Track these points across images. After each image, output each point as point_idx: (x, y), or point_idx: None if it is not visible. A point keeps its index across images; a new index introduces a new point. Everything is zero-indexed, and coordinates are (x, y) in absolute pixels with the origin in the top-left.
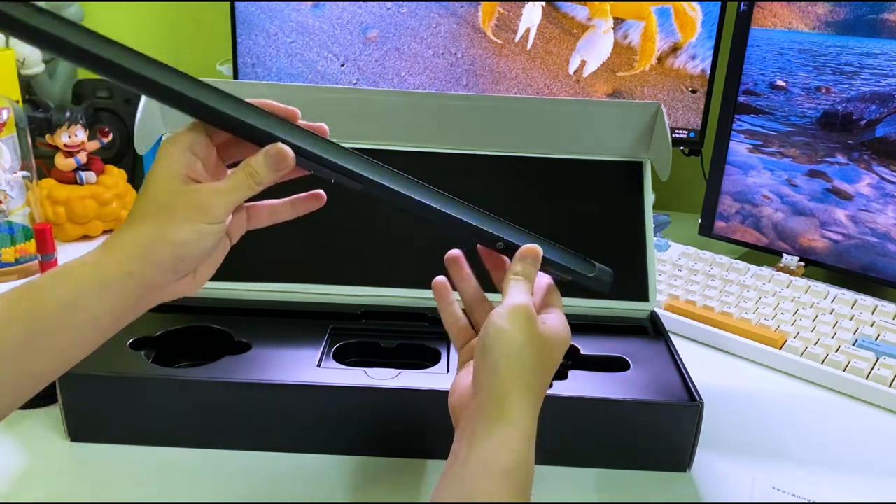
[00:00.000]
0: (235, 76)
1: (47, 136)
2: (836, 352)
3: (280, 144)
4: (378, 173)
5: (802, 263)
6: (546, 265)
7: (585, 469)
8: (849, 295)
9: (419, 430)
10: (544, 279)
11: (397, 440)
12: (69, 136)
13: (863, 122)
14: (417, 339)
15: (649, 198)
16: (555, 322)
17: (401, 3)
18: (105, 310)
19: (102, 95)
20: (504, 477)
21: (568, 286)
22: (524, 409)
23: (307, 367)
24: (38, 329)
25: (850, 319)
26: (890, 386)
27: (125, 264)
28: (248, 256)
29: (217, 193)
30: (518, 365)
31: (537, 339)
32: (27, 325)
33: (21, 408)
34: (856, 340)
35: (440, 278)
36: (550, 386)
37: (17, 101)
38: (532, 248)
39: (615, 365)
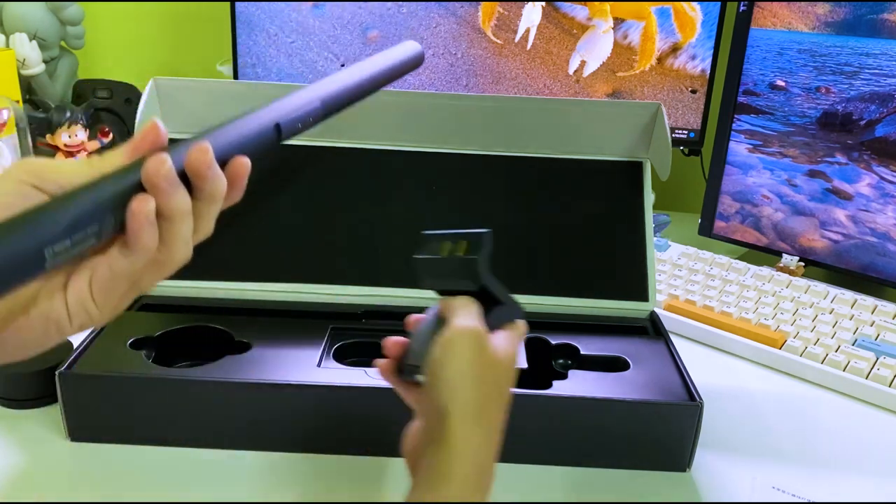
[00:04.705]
0: (235, 76)
1: (47, 136)
2: (836, 352)
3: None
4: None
5: (802, 263)
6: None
7: (585, 469)
8: (848, 295)
9: None
10: None
11: (397, 440)
12: (69, 136)
13: (862, 122)
14: None
15: (649, 198)
16: (503, 343)
17: (401, 3)
18: None
19: (102, 95)
20: None
21: (575, 286)
22: (470, 458)
23: (307, 367)
24: None
25: (850, 319)
26: (890, 386)
27: None
28: (248, 256)
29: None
30: (463, 400)
31: (487, 366)
32: None
33: (21, 408)
34: (855, 340)
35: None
36: (503, 411)
37: (18, 101)
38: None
39: (615, 365)
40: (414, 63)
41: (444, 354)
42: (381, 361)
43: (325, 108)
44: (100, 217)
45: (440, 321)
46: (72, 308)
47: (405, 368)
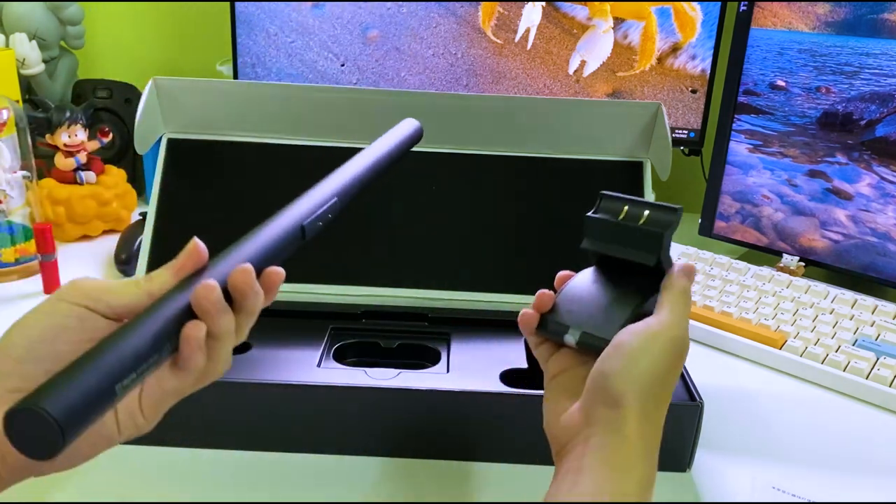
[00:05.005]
0: (235, 76)
1: (47, 135)
2: (836, 352)
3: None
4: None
5: (802, 263)
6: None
7: None
8: (849, 295)
9: (418, 431)
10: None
11: (397, 440)
12: (69, 136)
13: (863, 122)
14: (417, 339)
15: (649, 198)
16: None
17: (401, 3)
18: None
19: (102, 95)
20: None
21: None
22: (646, 456)
23: (307, 367)
24: None
25: (850, 319)
26: (890, 386)
27: None
28: None
29: None
30: (651, 403)
31: (677, 372)
32: None
33: None
34: (856, 340)
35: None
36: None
37: (17, 101)
38: (694, 266)
39: None
40: (417, 137)
41: (646, 346)
42: (526, 311)
43: (342, 202)
44: (159, 347)
45: (628, 293)
46: (122, 422)
47: (549, 325)
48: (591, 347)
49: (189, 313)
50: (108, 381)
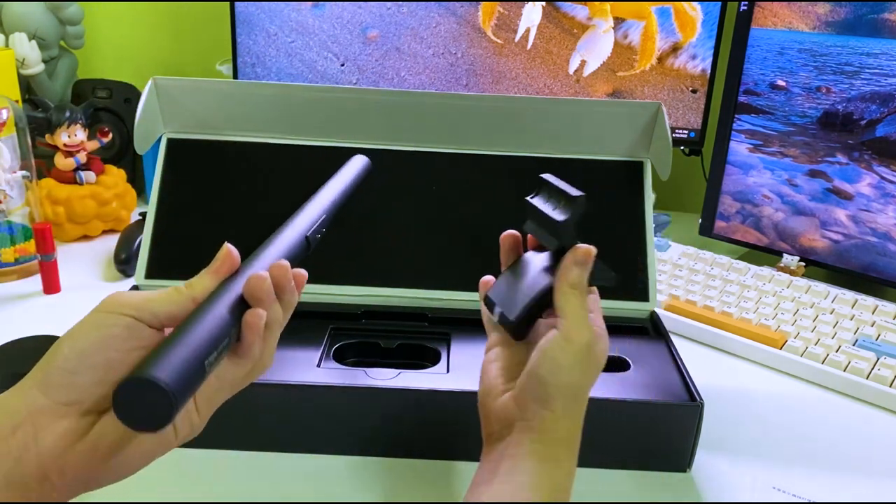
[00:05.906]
0: (235, 76)
1: (47, 135)
2: (837, 352)
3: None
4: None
5: (803, 263)
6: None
7: (585, 469)
8: (849, 295)
9: (418, 431)
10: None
11: (397, 440)
12: (69, 136)
13: (863, 122)
14: (417, 339)
15: (649, 198)
16: (604, 338)
17: (401, 3)
18: None
19: (102, 95)
20: None
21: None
22: (571, 451)
23: (307, 367)
24: None
25: (851, 319)
26: (890, 386)
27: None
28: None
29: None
30: (574, 405)
31: (594, 370)
32: None
33: None
34: (856, 340)
35: (488, 278)
36: None
37: (17, 101)
38: (589, 251)
39: (615, 365)
40: (368, 171)
41: (563, 359)
42: (486, 278)
43: (329, 215)
44: (229, 331)
45: (543, 296)
46: (178, 422)
47: (486, 299)
48: (505, 326)
49: (244, 305)
50: (200, 357)
